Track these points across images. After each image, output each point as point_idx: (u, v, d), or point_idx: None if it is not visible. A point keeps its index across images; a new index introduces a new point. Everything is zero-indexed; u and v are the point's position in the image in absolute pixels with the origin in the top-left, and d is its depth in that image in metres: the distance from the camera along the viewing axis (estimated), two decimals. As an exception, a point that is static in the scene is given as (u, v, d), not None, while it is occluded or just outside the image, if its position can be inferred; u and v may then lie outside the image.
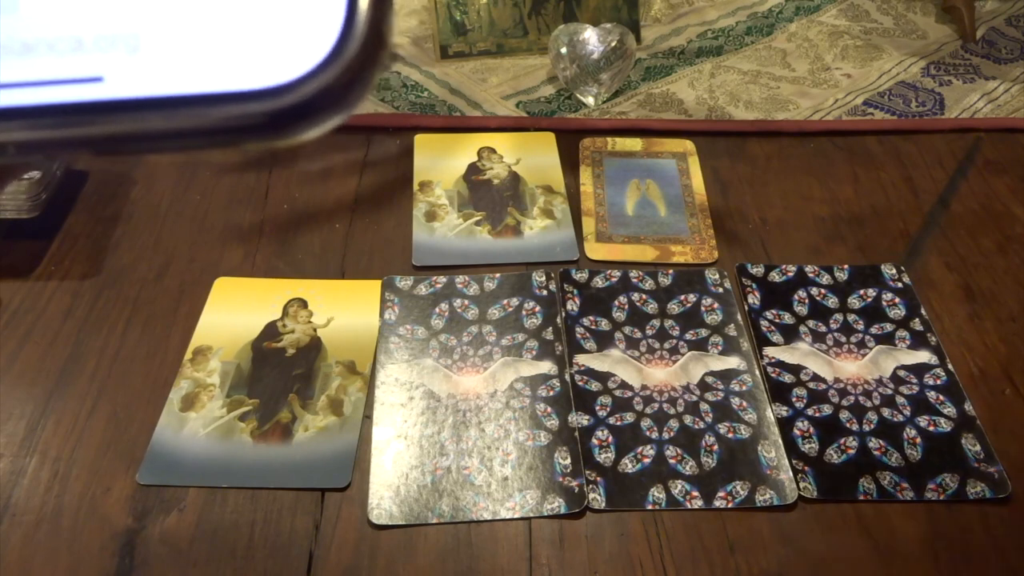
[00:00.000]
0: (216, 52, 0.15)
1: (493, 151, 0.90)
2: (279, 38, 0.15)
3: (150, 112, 0.15)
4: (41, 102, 0.15)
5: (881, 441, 0.63)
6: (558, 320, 0.71)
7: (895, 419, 0.64)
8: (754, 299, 0.74)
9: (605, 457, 0.61)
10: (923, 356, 0.69)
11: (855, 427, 0.64)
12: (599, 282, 0.75)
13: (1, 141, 0.15)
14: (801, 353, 0.69)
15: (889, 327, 0.72)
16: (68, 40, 0.15)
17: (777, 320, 0.72)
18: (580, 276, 0.75)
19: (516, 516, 0.58)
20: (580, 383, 0.67)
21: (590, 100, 0.97)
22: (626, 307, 0.73)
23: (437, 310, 0.72)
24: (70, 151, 0.16)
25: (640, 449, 0.62)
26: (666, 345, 0.70)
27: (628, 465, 0.61)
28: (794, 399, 0.66)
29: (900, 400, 0.66)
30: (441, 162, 0.89)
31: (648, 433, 0.63)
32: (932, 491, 0.60)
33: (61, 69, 0.15)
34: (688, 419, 0.64)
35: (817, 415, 0.65)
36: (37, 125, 0.15)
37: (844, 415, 0.65)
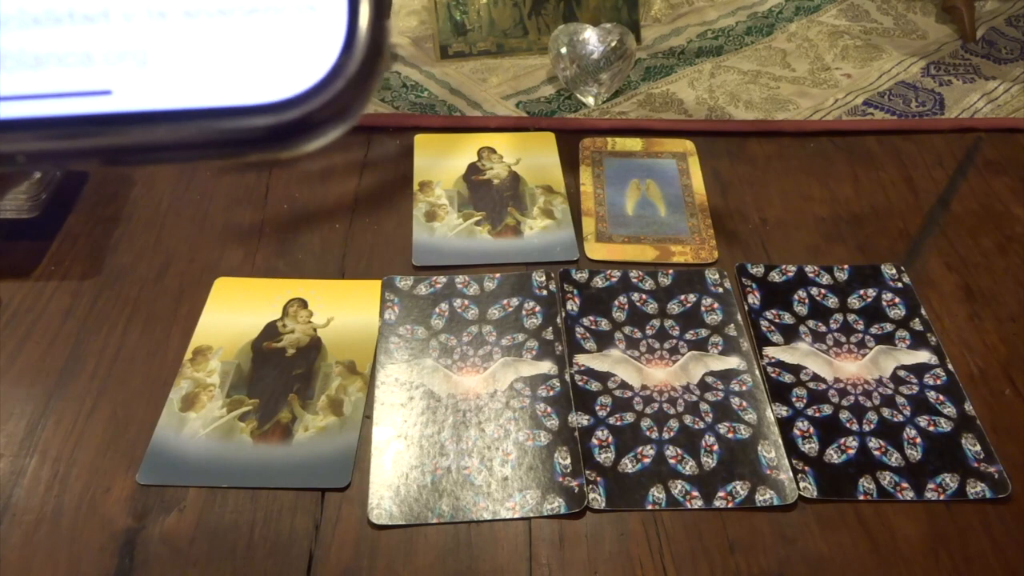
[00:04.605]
0: (221, 68, 0.15)
1: (493, 151, 0.90)
2: (283, 55, 0.15)
3: (156, 125, 0.15)
4: (51, 114, 0.15)
5: (881, 441, 0.63)
6: (558, 320, 0.71)
7: (895, 419, 0.64)
8: (754, 299, 0.74)
9: (605, 457, 0.61)
10: (923, 356, 0.69)
11: (855, 427, 0.64)
12: (599, 282, 0.75)
13: (11, 151, 0.16)
14: (801, 353, 0.69)
15: (889, 327, 0.72)
16: (78, 55, 0.15)
17: (777, 320, 0.72)
18: (580, 276, 0.75)
19: (516, 516, 0.58)
20: (580, 383, 0.67)
21: (590, 100, 0.97)
22: (626, 307, 0.73)
23: (437, 310, 0.72)
24: (78, 162, 0.16)
25: (640, 449, 0.62)
26: (666, 345, 0.70)
27: (628, 465, 0.61)
28: (794, 399, 0.66)
29: (900, 400, 0.66)
30: (441, 162, 0.89)
31: (648, 433, 0.63)
32: (932, 491, 0.60)
33: (71, 82, 0.15)
34: (688, 419, 0.64)
35: (817, 415, 0.65)
36: (46, 136, 0.16)
37: (844, 415, 0.65)
